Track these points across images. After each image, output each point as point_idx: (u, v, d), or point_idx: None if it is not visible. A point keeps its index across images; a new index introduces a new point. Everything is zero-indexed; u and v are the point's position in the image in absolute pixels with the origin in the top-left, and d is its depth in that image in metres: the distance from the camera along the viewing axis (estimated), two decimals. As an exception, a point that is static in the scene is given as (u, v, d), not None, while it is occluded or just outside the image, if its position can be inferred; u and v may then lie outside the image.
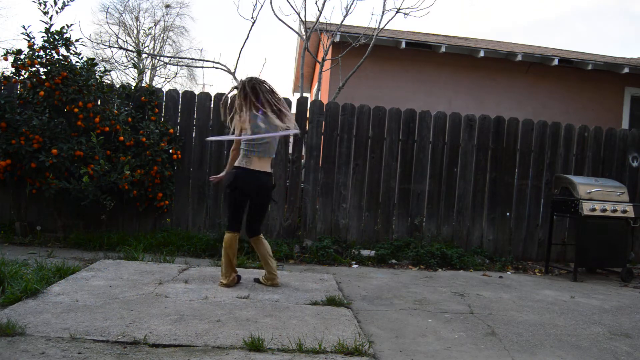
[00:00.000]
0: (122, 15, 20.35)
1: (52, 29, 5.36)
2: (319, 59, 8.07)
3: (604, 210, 5.48)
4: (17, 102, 5.37)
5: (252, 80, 4.01)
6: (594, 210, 5.46)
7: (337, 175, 6.04)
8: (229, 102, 4.13)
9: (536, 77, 9.23)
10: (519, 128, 6.40)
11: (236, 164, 4.04)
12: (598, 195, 5.56)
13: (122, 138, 5.42)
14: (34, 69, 5.28)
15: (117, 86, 6.00)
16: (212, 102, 6.00)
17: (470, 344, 3.15)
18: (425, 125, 6.20)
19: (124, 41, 18.47)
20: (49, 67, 5.26)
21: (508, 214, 6.32)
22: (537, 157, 6.39)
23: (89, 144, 5.26)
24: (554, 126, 6.46)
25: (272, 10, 7.60)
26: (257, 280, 4.27)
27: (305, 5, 7.75)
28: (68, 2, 5.45)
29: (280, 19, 7.64)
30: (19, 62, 5.24)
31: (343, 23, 7.86)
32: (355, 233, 6.06)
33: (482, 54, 8.73)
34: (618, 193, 5.66)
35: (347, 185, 6.07)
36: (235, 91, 4.04)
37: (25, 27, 5.28)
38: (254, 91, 3.98)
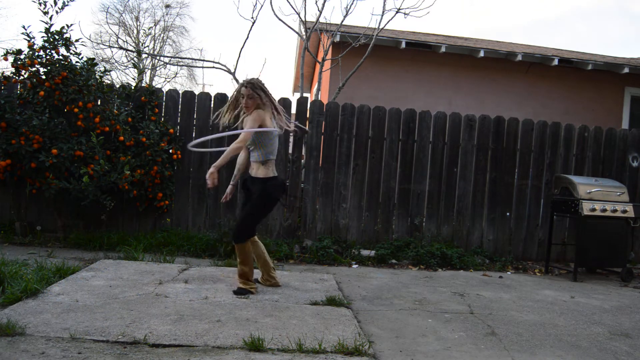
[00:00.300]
0: (122, 15, 20.36)
1: (52, 29, 5.36)
2: (319, 59, 8.08)
3: (604, 210, 5.48)
4: (17, 102, 5.36)
5: (259, 80, 3.95)
6: (594, 210, 5.46)
7: (337, 175, 6.04)
8: (232, 101, 4.08)
9: (536, 77, 9.23)
10: (519, 128, 6.40)
11: (266, 174, 3.88)
12: (598, 195, 5.56)
13: (122, 138, 5.41)
14: (34, 69, 5.27)
15: (117, 86, 6.00)
16: (212, 102, 6.00)
17: (470, 344, 3.15)
18: (425, 125, 6.20)
19: (124, 41, 18.47)
20: (49, 67, 5.26)
21: (508, 214, 6.32)
22: (537, 157, 6.39)
23: (89, 144, 5.26)
24: (554, 126, 6.46)
25: (272, 10, 7.61)
26: (256, 281, 4.26)
27: (305, 5, 7.76)
28: (68, 2, 5.45)
29: (280, 19, 7.65)
30: (19, 62, 5.24)
31: (343, 23, 7.86)
32: (355, 233, 6.06)
33: (482, 54, 8.73)
34: (618, 193, 5.66)
35: (347, 185, 6.07)
36: (246, 90, 3.87)
37: (25, 27, 5.28)
38: (267, 92, 3.94)
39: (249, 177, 4.05)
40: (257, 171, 3.93)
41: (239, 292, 3.85)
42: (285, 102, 5.99)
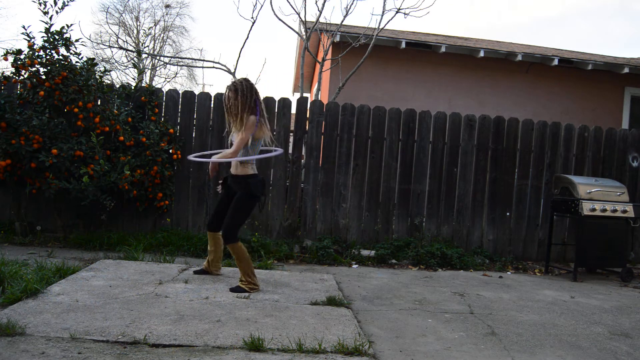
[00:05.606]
0: (122, 15, 20.38)
1: (52, 29, 5.36)
2: (319, 59, 8.08)
3: (604, 210, 5.48)
4: (17, 102, 5.36)
5: (248, 81, 3.96)
6: (594, 210, 5.46)
7: (337, 175, 6.04)
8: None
9: (536, 77, 9.23)
10: (519, 128, 6.40)
11: (246, 172, 3.92)
12: (598, 195, 5.56)
13: (122, 138, 5.41)
14: (34, 69, 5.27)
15: (117, 86, 6.00)
16: (212, 102, 6.00)
17: (470, 344, 3.15)
18: (425, 125, 6.20)
19: (124, 41, 18.47)
20: (49, 67, 5.26)
21: (508, 214, 6.32)
22: (537, 157, 6.39)
23: (89, 144, 5.26)
24: (554, 126, 6.46)
25: (272, 10, 7.60)
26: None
27: (305, 5, 7.76)
28: (68, 2, 5.45)
29: (280, 19, 7.65)
30: (19, 62, 5.24)
31: (343, 23, 7.86)
32: (355, 233, 6.06)
33: (482, 54, 8.72)
34: (618, 193, 5.66)
35: (347, 185, 6.07)
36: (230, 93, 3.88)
37: (25, 27, 5.28)
38: (254, 92, 3.94)
39: (229, 175, 4.08)
40: (237, 169, 3.97)
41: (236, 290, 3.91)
42: (285, 102, 5.99)
